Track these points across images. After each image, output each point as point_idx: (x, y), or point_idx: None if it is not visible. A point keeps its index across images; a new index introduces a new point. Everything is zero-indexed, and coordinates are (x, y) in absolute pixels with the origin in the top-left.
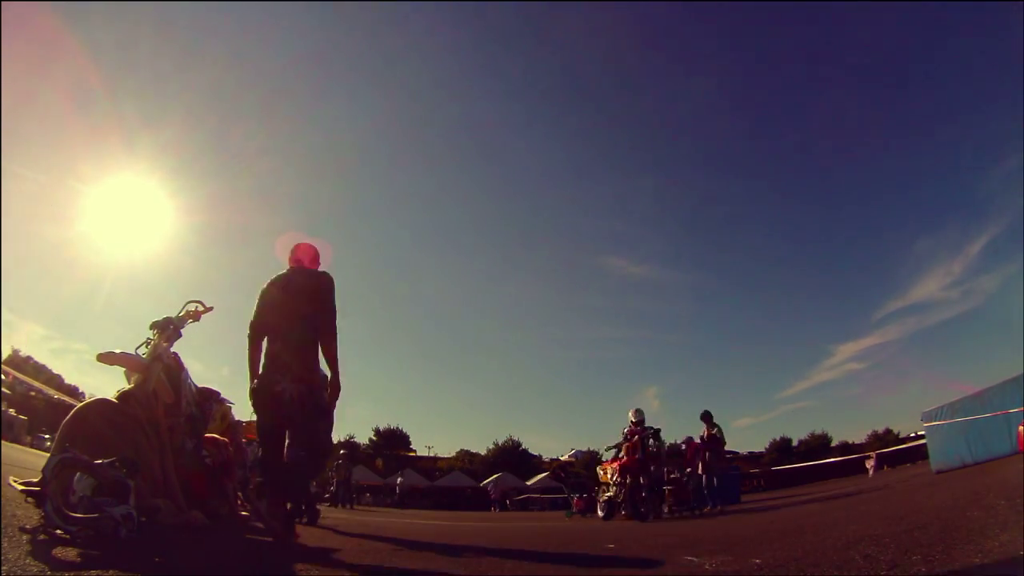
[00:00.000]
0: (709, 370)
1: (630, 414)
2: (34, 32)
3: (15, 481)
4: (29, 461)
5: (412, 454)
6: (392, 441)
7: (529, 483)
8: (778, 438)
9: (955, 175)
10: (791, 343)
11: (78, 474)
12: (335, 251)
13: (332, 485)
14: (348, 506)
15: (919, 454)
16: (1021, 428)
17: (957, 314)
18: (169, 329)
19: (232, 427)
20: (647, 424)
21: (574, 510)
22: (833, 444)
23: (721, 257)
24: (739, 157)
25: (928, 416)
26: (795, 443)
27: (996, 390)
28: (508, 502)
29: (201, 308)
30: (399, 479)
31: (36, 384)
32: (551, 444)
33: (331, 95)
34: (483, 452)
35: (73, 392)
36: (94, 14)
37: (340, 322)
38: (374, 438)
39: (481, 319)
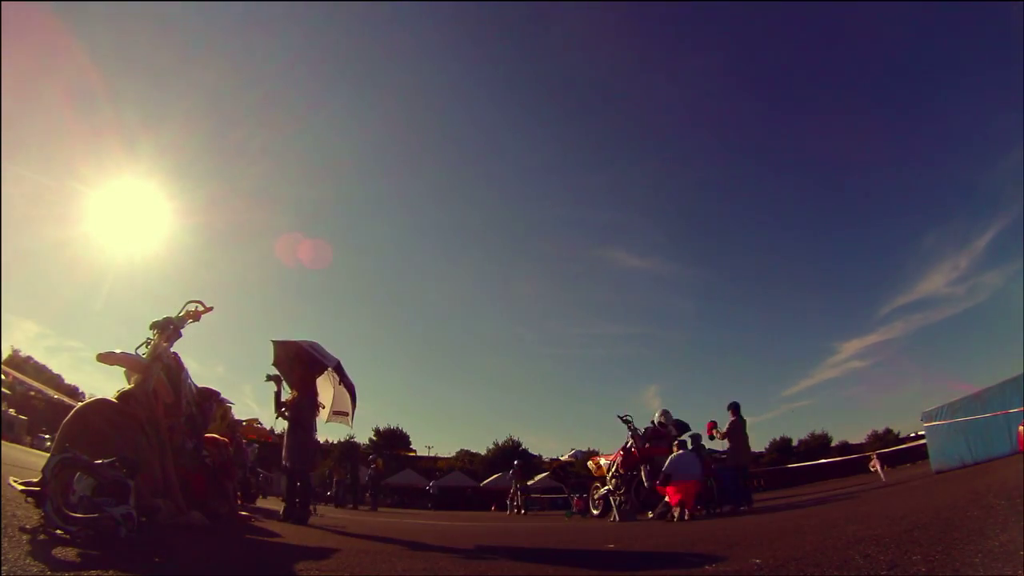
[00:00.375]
0: (711, 368)
1: (657, 415)
2: (34, 32)
3: (15, 481)
4: (29, 461)
5: (412, 454)
6: (392, 441)
7: (529, 483)
8: (778, 438)
9: (963, 166)
10: (797, 339)
11: (78, 474)
12: (335, 251)
13: (332, 486)
14: (353, 507)
15: (919, 454)
16: (1021, 428)
17: (962, 311)
18: (169, 329)
19: (232, 427)
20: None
21: (574, 510)
22: (833, 444)
23: (724, 250)
24: (744, 149)
25: (928, 416)
26: (795, 443)
27: (996, 390)
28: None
29: (201, 308)
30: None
31: (36, 384)
32: (551, 444)
33: (330, 95)
34: (483, 452)
35: (73, 392)
36: (94, 14)
37: (340, 322)
38: (374, 438)
39: (480, 318)
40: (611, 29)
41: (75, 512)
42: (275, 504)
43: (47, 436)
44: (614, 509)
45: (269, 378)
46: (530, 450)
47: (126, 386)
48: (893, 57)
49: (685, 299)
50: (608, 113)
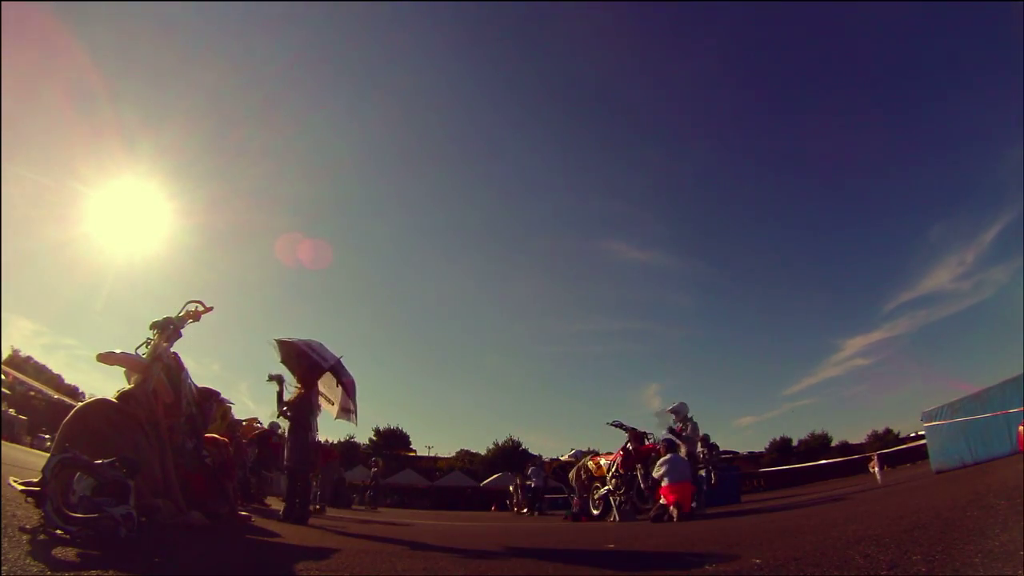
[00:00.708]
0: (713, 366)
1: (673, 420)
2: (34, 32)
3: (15, 481)
4: (29, 461)
5: (412, 454)
6: (392, 441)
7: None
8: (778, 438)
9: (971, 158)
10: (801, 336)
11: (78, 474)
12: (335, 251)
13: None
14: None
15: (919, 454)
16: (1021, 428)
17: (966, 307)
18: (169, 329)
19: (232, 427)
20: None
21: (574, 510)
22: (833, 444)
23: (727, 244)
24: (747, 140)
25: (928, 416)
26: (795, 443)
27: (996, 390)
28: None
29: (201, 308)
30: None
31: (36, 384)
32: (551, 444)
33: (330, 96)
34: (483, 452)
35: (73, 392)
36: (94, 14)
37: (340, 322)
38: (374, 438)
39: (480, 317)
40: (613, 20)
41: (75, 512)
42: (275, 504)
43: (47, 436)
44: (614, 509)
45: (271, 378)
46: (530, 450)
47: (126, 386)
48: (900, 48)
49: (686, 294)
50: (608, 101)
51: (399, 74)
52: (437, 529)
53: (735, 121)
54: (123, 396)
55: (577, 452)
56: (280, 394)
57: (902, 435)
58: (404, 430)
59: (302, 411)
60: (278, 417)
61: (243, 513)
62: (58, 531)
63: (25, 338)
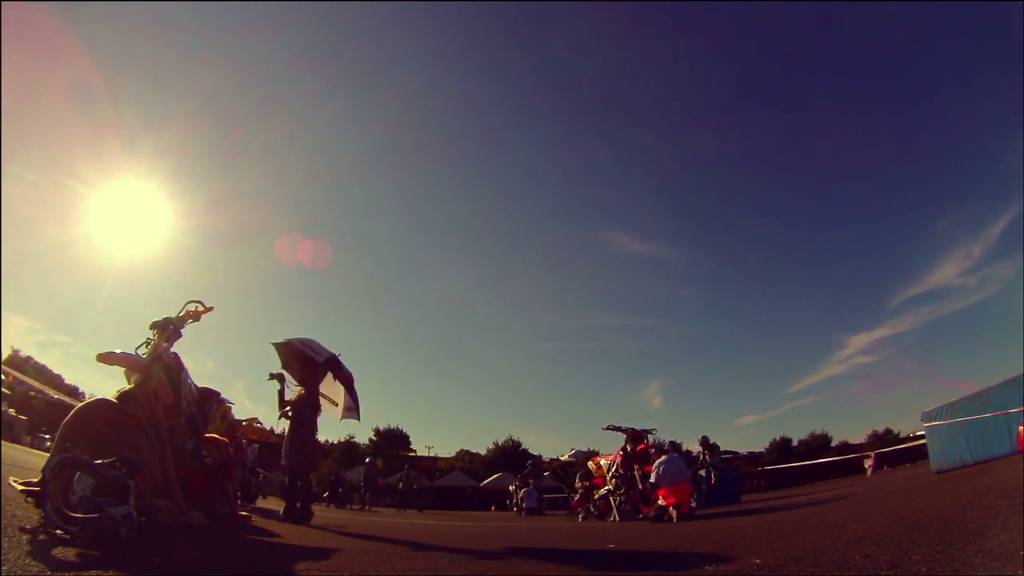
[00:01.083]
0: (716, 363)
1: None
2: (34, 32)
3: (15, 481)
4: (29, 461)
5: (412, 454)
6: (392, 441)
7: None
8: (778, 438)
9: (983, 146)
10: (804, 333)
11: (78, 474)
12: (335, 251)
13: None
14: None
15: (919, 454)
16: (1021, 428)
17: (972, 304)
18: (169, 329)
19: (232, 427)
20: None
21: (574, 510)
22: (833, 444)
23: (730, 236)
24: (752, 131)
25: (928, 416)
26: (795, 443)
27: (996, 390)
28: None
29: (201, 308)
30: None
31: (36, 384)
32: (551, 444)
33: (331, 96)
34: (483, 452)
35: (73, 392)
36: (94, 14)
37: (339, 322)
38: (374, 438)
39: (479, 316)
40: (614, 6)
41: (75, 512)
42: (276, 504)
43: (47, 436)
44: (614, 509)
45: (272, 376)
46: (530, 450)
47: (126, 386)
48: (909, 38)
49: (688, 288)
50: (607, 85)
51: (398, 73)
52: (437, 529)
53: (740, 110)
54: (123, 396)
55: (577, 452)
56: (281, 393)
57: (902, 435)
58: (404, 430)
59: (304, 411)
60: (279, 418)
61: (243, 513)
62: (58, 531)
63: (20, 336)
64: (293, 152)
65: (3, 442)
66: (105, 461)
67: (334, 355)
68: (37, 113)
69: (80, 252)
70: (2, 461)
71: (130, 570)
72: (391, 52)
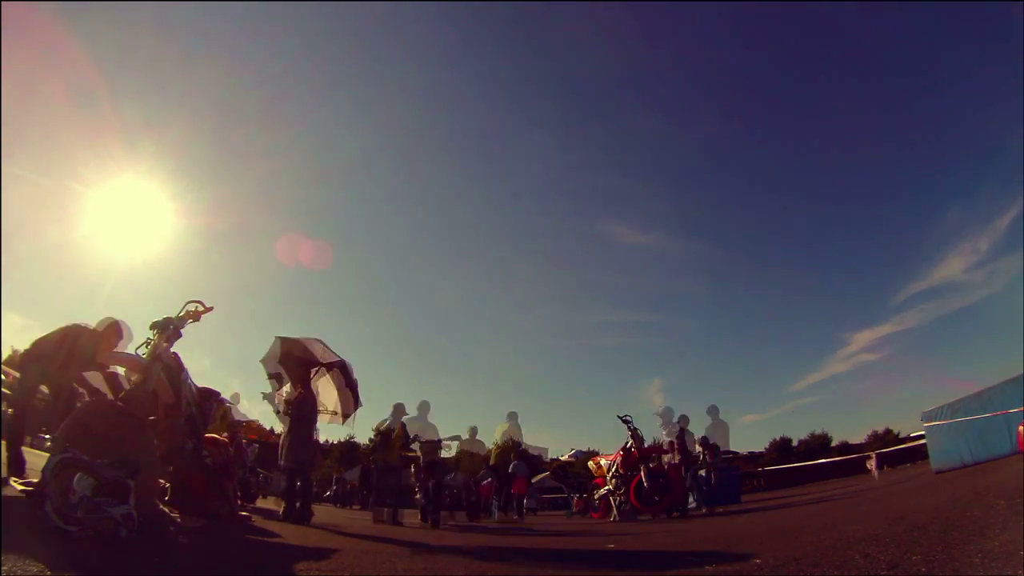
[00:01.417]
0: (719, 360)
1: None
2: (34, 32)
3: (15, 481)
4: (29, 461)
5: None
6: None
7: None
8: (778, 438)
9: (987, 138)
10: (808, 329)
11: (78, 474)
12: (335, 251)
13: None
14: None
15: (919, 454)
16: (1021, 428)
17: (978, 300)
18: (169, 329)
19: (232, 427)
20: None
21: (574, 510)
22: (833, 444)
23: (733, 226)
24: (756, 116)
25: (928, 416)
26: (795, 443)
27: (996, 390)
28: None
29: (201, 308)
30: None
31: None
32: (551, 444)
33: (332, 96)
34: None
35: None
36: (94, 14)
37: (340, 321)
38: (374, 438)
39: (479, 315)
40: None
41: (75, 512)
42: (276, 504)
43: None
44: (614, 509)
45: (271, 376)
46: (530, 450)
47: (126, 386)
48: (920, 22)
49: (690, 281)
50: (606, 65)
51: (395, 71)
52: (437, 529)
53: (743, 95)
54: (123, 396)
55: (577, 452)
56: (279, 393)
57: (902, 435)
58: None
59: (303, 410)
60: (278, 416)
61: (243, 513)
62: (58, 531)
63: (14, 333)
64: (295, 152)
65: (3, 442)
66: (105, 461)
67: (344, 360)
68: (37, 113)
69: (80, 252)
70: (2, 461)
71: (130, 570)
72: (391, 52)
